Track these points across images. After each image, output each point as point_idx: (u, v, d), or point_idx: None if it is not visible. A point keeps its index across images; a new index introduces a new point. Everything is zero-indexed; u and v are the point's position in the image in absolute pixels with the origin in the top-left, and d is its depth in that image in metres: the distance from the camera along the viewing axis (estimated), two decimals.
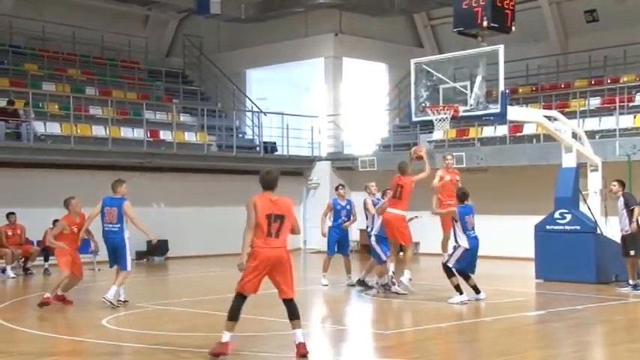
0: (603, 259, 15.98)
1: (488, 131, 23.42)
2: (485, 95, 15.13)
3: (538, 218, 17.07)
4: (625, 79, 22.85)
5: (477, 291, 13.48)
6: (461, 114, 15.11)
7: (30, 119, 21.23)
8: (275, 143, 26.50)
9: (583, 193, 16.84)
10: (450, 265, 13.09)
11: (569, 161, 16.71)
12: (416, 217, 15.05)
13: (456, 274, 13.20)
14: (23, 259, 19.08)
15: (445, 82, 15.29)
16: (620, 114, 20.99)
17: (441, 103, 15.16)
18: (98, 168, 21.24)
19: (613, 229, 16.34)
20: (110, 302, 12.65)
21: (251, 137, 27.38)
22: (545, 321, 12.03)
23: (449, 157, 16.25)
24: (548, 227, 16.63)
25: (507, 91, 15.35)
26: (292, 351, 8.92)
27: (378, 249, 14.60)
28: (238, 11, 26.64)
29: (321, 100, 27.41)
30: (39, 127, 21.80)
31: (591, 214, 16.58)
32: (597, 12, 24.97)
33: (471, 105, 14.95)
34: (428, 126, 19.23)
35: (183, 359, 9.10)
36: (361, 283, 15.28)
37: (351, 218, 16.16)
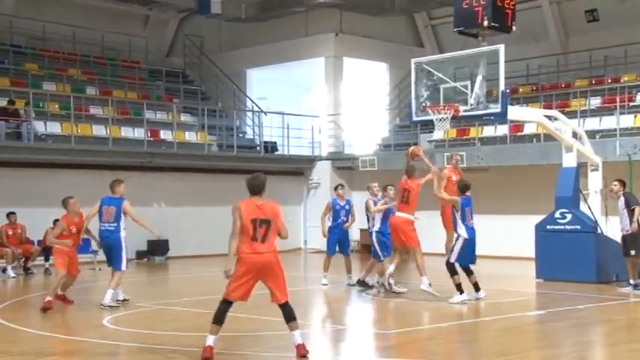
0: (604, 259, 15.98)
1: (488, 131, 23.41)
2: (485, 95, 15.13)
3: (538, 218, 17.08)
4: (625, 78, 22.84)
5: (477, 289, 13.51)
6: (461, 114, 15.10)
7: (30, 119, 21.22)
8: (275, 143, 26.50)
9: (583, 192, 16.84)
10: (453, 261, 13.20)
11: (569, 161, 16.71)
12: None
13: (460, 271, 13.26)
14: (24, 259, 19.10)
15: (446, 81, 15.28)
16: (621, 114, 20.98)
17: (441, 103, 15.15)
18: (99, 168, 21.24)
19: (613, 228, 16.34)
20: (109, 306, 12.65)
21: (251, 137, 27.39)
22: (546, 321, 12.03)
23: (458, 156, 16.37)
24: (548, 227, 16.63)
25: (508, 91, 15.34)
26: (292, 351, 8.92)
27: (377, 247, 14.61)
28: (239, 11, 26.65)
29: (322, 100, 27.41)
30: (39, 126, 21.81)
31: (592, 213, 16.58)
32: (598, 11, 24.96)
33: (471, 105, 14.95)
34: (428, 126, 19.23)
35: (185, 359, 9.10)
36: (361, 282, 15.28)
37: (350, 218, 16.16)
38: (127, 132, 23.34)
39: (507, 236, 21.42)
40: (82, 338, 10.63)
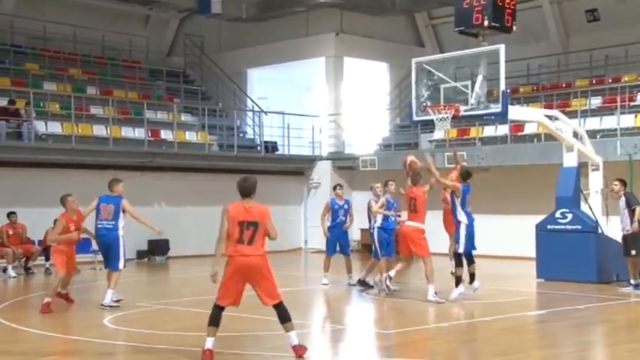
0: (604, 259, 15.98)
1: (489, 131, 23.41)
2: (486, 95, 15.13)
3: (539, 218, 17.08)
4: (626, 78, 22.85)
5: (473, 279, 13.63)
6: (462, 113, 15.10)
7: (31, 119, 21.22)
8: (276, 143, 26.49)
9: (584, 192, 16.84)
10: (461, 251, 13.41)
11: (570, 161, 16.71)
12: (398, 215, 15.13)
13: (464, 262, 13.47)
14: (24, 259, 19.09)
15: (446, 81, 15.29)
16: (622, 113, 20.98)
17: (442, 103, 15.15)
18: (99, 167, 21.22)
19: (614, 228, 16.34)
20: (109, 306, 12.65)
21: (252, 137, 27.38)
22: (546, 320, 12.03)
23: (459, 153, 16.46)
24: (549, 227, 16.63)
25: (508, 91, 15.34)
26: (292, 351, 8.92)
27: (377, 245, 14.60)
28: (239, 11, 26.65)
29: (322, 100, 27.40)
30: (40, 126, 21.80)
31: (592, 213, 16.58)
32: (598, 11, 24.95)
33: (471, 104, 14.95)
34: (429, 125, 19.23)
35: (185, 358, 9.10)
36: (362, 282, 15.28)
37: (349, 218, 16.13)
38: (127, 132, 23.34)
39: (508, 236, 21.42)
40: (83, 338, 10.62)
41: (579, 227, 16.23)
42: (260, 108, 27.31)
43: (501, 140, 22.80)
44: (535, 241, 16.90)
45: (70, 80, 25.11)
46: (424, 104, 15.45)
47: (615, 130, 20.60)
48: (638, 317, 13.13)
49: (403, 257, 13.82)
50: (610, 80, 23.29)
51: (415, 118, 16.13)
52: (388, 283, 13.94)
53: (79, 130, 22.01)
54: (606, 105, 22.19)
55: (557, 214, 16.50)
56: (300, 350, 8.82)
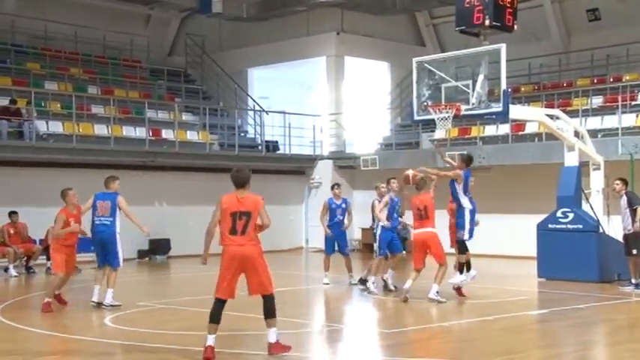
0: (606, 258, 15.98)
1: (490, 130, 23.41)
2: (487, 94, 15.10)
3: (540, 217, 17.07)
4: (627, 77, 22.85)
5: (469, 268, 13.72)
6: (463, 113, 15.07)
7: (32, 118, 21.23)
8: (277, 142, 26.50)
9: (585, 191, 16.83)
10: (467, 238, 13.47)
11: (571, 160, 16.70)
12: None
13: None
14: (25, 258, 19.11)
15: (447, 80, 15.27)
16: (623, 113, 20.97)
17: (443, 102, 15.13)
18: (100, 167, 21.17)
19: (615, 228, 16.33)
20: (110, 306, 12.65)
21: (253, 136, 27.39)
22: (548, 320, 12.02)
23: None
24: (550, 226, 16.62)
25: (509, 90, 15.32)
26: (293, 350, 8.90)
27: (378, 242, 14.59)
28: (240, 10, 26.65)
29: (323, 99, 27.41)
30: (41, 126, 21.80)
31: (593, 213, 16.57)
32: (599, 11, 24.95)
33: (473, 104, 14.93)
34: (430, 125, 19.24)
35: (186, 358, 9.10)
36: (363, 281, 15.26)
37: (347, 217, 16.08)
38: (128, 131, 23.34)
39: (509, 235, 21.41)
40: (84, 337, 10.62)
41: (580, 227, 16.22)
42: (261, 107, 27.32)
43: (502, 140, 22.80)
44: (536, 240, 16.90)
45: (71, 80, 25.11)
46: (425, 103, 15.44)
47: (616, 129, 20.59)
48: (639, 317, 13.12)
49: (415, 269, 13.38)
50: (611, 79, 23.29)
51: (416, 118, 16.11)
52: (386, 282, 14.02)
53: (80, 130, 22.02)
54: (607, 104, 22.18)
55: (559, 214, 16.49)
56: (275, 349, 8.77)
